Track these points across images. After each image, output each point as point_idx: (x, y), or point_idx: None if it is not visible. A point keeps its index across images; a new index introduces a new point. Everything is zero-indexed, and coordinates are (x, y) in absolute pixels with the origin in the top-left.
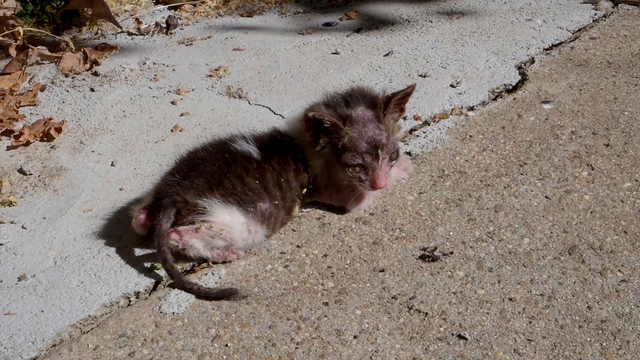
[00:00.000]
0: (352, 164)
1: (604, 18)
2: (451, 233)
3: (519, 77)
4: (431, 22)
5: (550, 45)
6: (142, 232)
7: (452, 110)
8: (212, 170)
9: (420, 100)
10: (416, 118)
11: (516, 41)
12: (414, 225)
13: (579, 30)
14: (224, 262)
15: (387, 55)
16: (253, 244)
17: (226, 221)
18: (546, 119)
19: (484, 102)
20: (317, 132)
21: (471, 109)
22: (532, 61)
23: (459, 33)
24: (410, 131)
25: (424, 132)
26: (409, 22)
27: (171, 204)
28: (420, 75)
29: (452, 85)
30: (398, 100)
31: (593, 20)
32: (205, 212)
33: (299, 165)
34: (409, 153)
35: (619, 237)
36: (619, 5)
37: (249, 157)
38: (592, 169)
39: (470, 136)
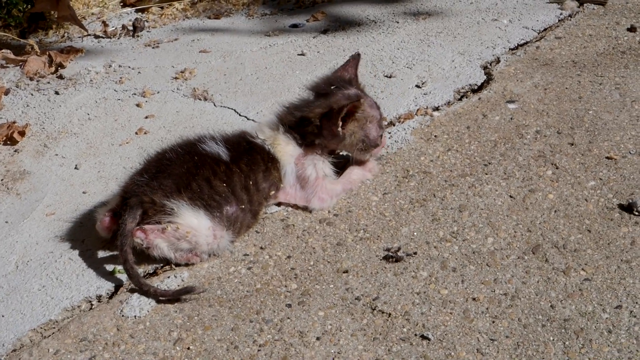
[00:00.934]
0: (378, 135)
1: (569, 17)
2: (415, 233)
3: (485, 77)
4: (397, 22)
5: (516, 45)
6: (106, 235)
7: (418, 110)
8: (180, 172)
9: (385, 101)
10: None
11: (482, 41)
12: (378, 225)
13: (545, 29)
14: (186, 265)
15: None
16: (217, 249)
17: (193, 224)
18: (511, 118)
19: (449, 102)
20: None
21: (436, 109)
22: (498, 61)
23: (425, 33)
24: None
25: (389, 133)
26: (375, 22)
27: (138, 204)
28: (386, 76)
29: (417, 86)
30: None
31: (559, 20)
32: (172, 213)
33: (268, 166)
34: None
35: (583, 235)
36: (585, 4)
37: (218, 159)
38: (557, 168)
39: (435, 136)
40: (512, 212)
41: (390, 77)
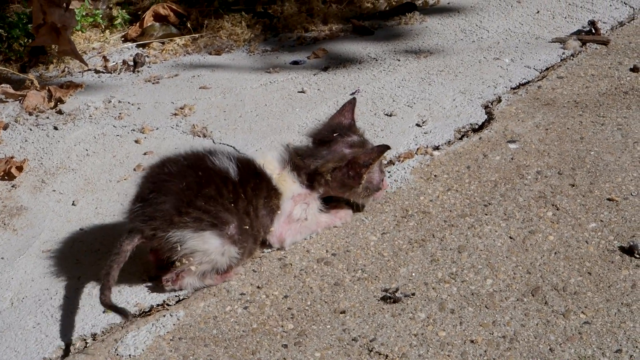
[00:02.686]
0: (380, 180)
1: (572, 57)
2: (414, 274)
3: (485, 116)
4: (399, 60)
5: (518, 84)
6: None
7: (418, 149)
8: (180, 190)
9: (385, 140)
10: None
11: (483, 80)
12: (376, 266)
13: (547, 69)
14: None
15: (353, 93)
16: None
17: (202, 249)
18: (512, 158)
19: (449, 141)
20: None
21: (436, 148)
22: (499, 100)
23: (426, 72)
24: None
25: (389, 172)
26: (376, 60)
27: (137, 233)
28: (386, 114)
29: (418, 125)
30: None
31: (561, 60)
32: (178, 243)
33: (270, 194)
34: None
35: (583, 278)
36: (587, 44)
37: (227, 176)
38: (557, 209)
39: (435, 176)
40: (512, 254)
41: (390, 115)
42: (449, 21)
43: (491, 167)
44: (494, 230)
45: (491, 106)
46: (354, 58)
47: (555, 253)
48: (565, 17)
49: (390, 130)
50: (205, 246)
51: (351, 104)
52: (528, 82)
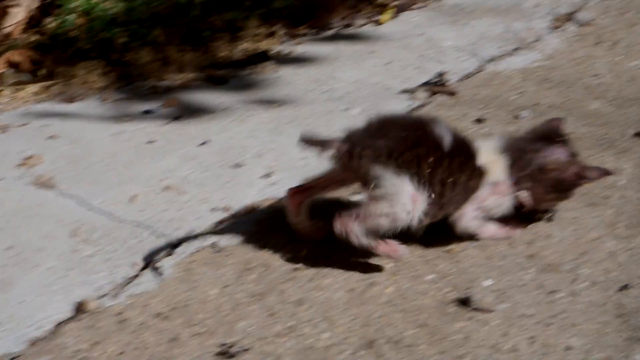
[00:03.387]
0: None
1: (420, 107)
2: (251, 328)
3: None
4: (250, 110)
5: None
6: (292, 210)
7: (263, 201)
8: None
9: (231, 191)
10: (226, 209)
11: (333, 130)
12: (215, 320)
13: None
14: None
15: (202, 144)
16: (415, 218)
17: (393, 193)
18: None
19: None
20: None
21: (282, 199)
22: None
23: (277, 122)
24: (219, 223)
25: (233, 224)
26: (228, 110)
27: (348, 143)
28: (235, 165)
29: (265, 175)
30: None
31: (409, 110)
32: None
33: (474, 173)
34: (215, 246)
35: (419, 330)
36: (435, 95)
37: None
38: (397, 261)
39: (279, 228)
40: (350, 306)
41: (238, 166)
42: (302, 71)
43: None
44: (333, 283)
45: None
46: (206, 108)
47: (393, 305)
48: (416, 68)
49: (237, 182)
50: (398, 192)
51: (561, 121)
52: None
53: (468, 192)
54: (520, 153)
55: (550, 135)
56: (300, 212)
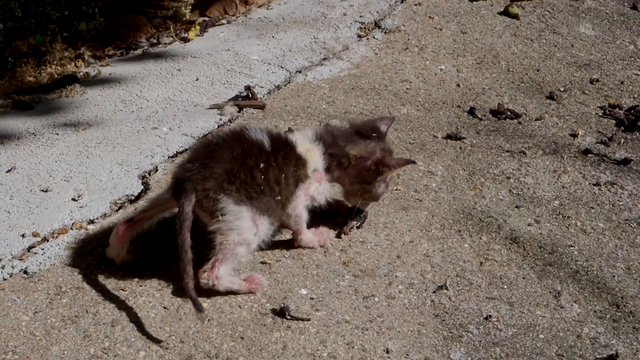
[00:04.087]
0: (383, 192)
1: (229, 122)
2: (66, 352)
3: (142, 186)
4: (57, 134)
5: (175, 152)
6: (118, 247)
7: (73, 224)
8: (230, 158)
9: (40, 216)
10: (35, 235)
11: (141, 150)
12: (27, 346)
13: (204, 135)
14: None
15: (9, 171)
16: (261, 237)
17: (236, 222)
18: (166, 228)
19: (105, 214)
20: None
21: (91, 222)
22: (156, 169)
23: (85, 145)
24: (29, 249)
25: (42, 249)
26: (35, 135)
27: (192, 190)
28: (43, 190)
29: (74, 199)
30: None
31: (218, 126)
32: (222, 208)
33: (298, 162)
34: (26, 272)
35: (236, 343)
36: (244, 109)
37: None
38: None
39: (89, 250)
40: (166, 324)
41: (46, 191)
42: (109, 92)
43: (146, 238)
44: (147, 301)
45: (148, 176)
46: (12, 134)
47: (209, 320)
48: (224, 84)
49: (45, 207)
50: (240, 218)
51: (390, 120)
52: (185, 150)
53: (297, 182)
54: (333, 142)
55: (367, 130)
56: (124, 244)
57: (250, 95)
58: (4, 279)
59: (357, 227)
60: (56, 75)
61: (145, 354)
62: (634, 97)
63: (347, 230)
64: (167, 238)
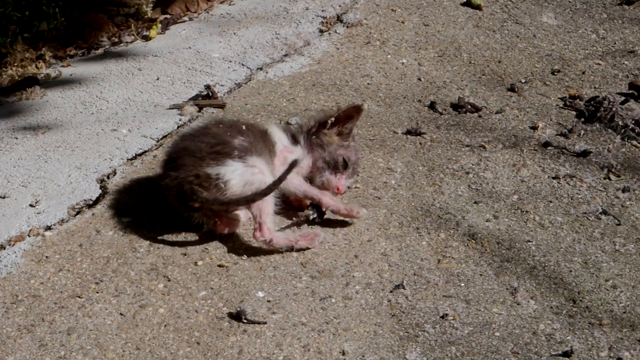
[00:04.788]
0: (342, 171)
1: (189, 122)
2: None
3: (100, 190)
4: (17, 139)
5: (134, 154)
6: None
7: (30, 231)
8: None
9: None
10: None
11: (100, 153)
12: None
13: (164, 137)
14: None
15: None
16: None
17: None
18: (125, 232)
19: (62, 220)
20: None
21: (49, 228)
22: (115, 173)
23: (44, 149)
24: None
25: (0, 259)
26: None
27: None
28: (0, 197)
29: (31, 205)
30: None
31: (178, 126)
32: (219, 176)
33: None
34: None
35: (192, 348)
36: (204, 109)
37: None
38: (169, 280)
39: (46, 257)
40: (122, 331)
41: (4, 197)
42: (69, 94)
43: (104, 243)
44: (104, 308)
45: (106, 180)
46: None
47: (165, 325)
48: (185, 83)
49: (2, 214)
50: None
51: (357, 110)
52: (145, 152)
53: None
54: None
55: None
56: None
57: (211, 95)
58: None
59: (315, 221)
60: (17, 77)
61: None
62: (595, 87)
63: (301, 217)
64: (125, 242)
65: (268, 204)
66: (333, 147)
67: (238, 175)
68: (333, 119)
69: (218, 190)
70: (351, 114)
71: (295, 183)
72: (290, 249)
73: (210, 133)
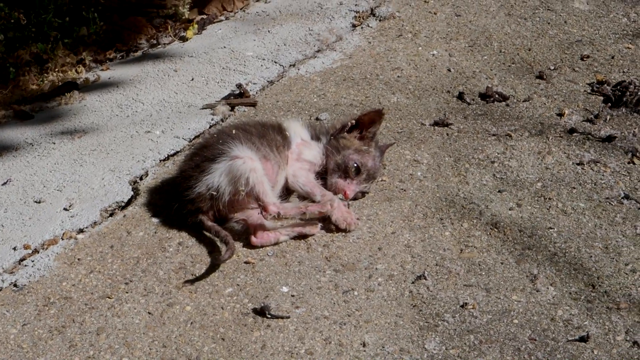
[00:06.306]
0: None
1: (221, 122)
2: None
3: (132, 192)
4: (54, 143)
5: (167, 155)
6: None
7: (63, 234)
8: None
9: (32, 228)
10: (26, 247)
11: (133, 155)
12: (15, 359)
13: (196, 137)
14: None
15: (4, 184)
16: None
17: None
18: (155, 232)
19: (95, 222)
20: None
21: (81, 231)
22: (147, 174)
23: (80, 152)
24: (20, 261)
25: (33, 261)
26: (32, 145)
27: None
28: (36, 202)
29: (65, 209)
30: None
31: (210, 126)
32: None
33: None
34: (15, 285)
35: (217, 345)
36: (236, 108)
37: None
38: (197, 278)
39: (78, 259)
40: (149, 329)
41: (39, 202)
42: (107, 97)
43: (134, 244)
44: (133, 308)
45: (138, 181)
46: (10, 145)
47: (192, 323)
48: (219, 82)
49: (37, 218)
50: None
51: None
52: (177, 153)
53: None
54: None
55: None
56: None
57: (242, 93)
58: None
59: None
60: (58, 82)
61: None
62: (623, 72)
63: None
64: (155, 242)
65: (260, 185)
66: (349, 151)
67: (223, 174)
68: (353, 121)
69: (216, 201)
70: (373, 118)
71: (303, 181)
72: (303, 215)
73: (205, 145)
